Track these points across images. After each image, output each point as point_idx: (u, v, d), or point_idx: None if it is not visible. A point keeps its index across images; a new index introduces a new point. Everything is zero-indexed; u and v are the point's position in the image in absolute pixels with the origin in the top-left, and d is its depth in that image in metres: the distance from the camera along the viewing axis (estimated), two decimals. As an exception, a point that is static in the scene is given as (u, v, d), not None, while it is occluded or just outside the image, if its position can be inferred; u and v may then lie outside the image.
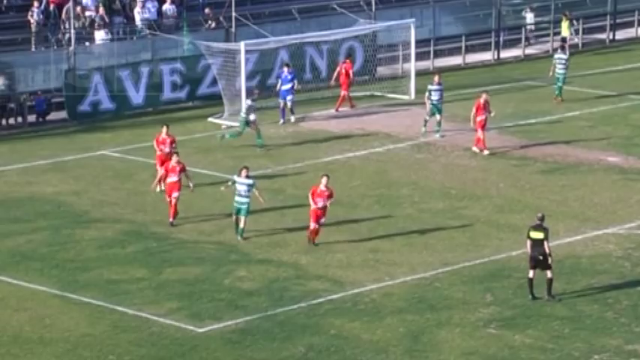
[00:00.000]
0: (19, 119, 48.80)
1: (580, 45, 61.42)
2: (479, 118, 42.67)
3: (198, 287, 32.54)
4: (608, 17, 62.46)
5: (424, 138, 43.62)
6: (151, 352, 28.68)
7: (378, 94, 51.74)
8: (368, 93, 51.52)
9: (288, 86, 47.62)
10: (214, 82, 50.34)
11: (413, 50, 52.82)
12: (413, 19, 53.55)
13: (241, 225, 35.52)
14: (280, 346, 28.97)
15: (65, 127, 48.46)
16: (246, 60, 48.60)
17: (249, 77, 48.64)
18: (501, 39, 59.82)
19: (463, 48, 58.84)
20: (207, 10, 54.23)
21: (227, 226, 36.94)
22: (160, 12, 53.52)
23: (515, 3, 61.57)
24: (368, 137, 46.38)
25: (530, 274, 31.03)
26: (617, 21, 62.93)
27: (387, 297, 31.64)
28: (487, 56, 59.70)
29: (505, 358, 28.37)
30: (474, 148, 42.94)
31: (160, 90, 50.80)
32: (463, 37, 59.00)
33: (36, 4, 50.75)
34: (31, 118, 49.05)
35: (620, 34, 62.78)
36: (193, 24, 53.93)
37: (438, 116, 45.12)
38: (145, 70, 50.67)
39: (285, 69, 48.29)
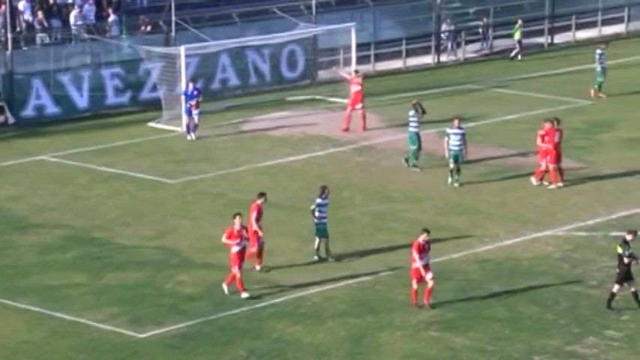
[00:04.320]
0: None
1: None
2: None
3: (139, 292, 32.41)
4: (546, 21, 62.80)
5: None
6: (90, 358, 28.55)
7: (319, 97, 51.73)
8: (309, 97, 51.42)
9: (193, 102, 46.91)
10: (156, 86, 50.20)
11: (354, 54, 52.92)
12: (353, 23, 53.60)
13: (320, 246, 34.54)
14: (222, 350, 28.93)
15: (4, 132, 48.05)
16: (187, 64, 48.49)
17: (190, 82, 48.43)
18: (458, 40, 60.07)
19: (404, 51, 58.98)
20: (142, 16, 54.08)
21: (167, 231, 36.88)
22: (98, 16, 53.29)
23: (455, 7, 61.77)
24: (309, 141, 46.37)
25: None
26: (555, 25, 63.27)
27: (328, 300, 31.61)
28: (428, 60, 59.87)
29: (446, 359, 28.43)
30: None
31: (104, 94, 50.57)
32: (404, 41, 59.12)
33: (-30, 8, 50.61)
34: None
35: (559, 38, 63.12)
36: (132, 28, 53.75)
37: (454, 165, 40.81)
38: (85, 74, 50.43)
39: (191, 84, 47.25)
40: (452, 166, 40.23)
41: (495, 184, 40.48)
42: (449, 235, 35.92)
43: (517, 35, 59.73)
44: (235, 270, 31.69)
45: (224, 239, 32.03)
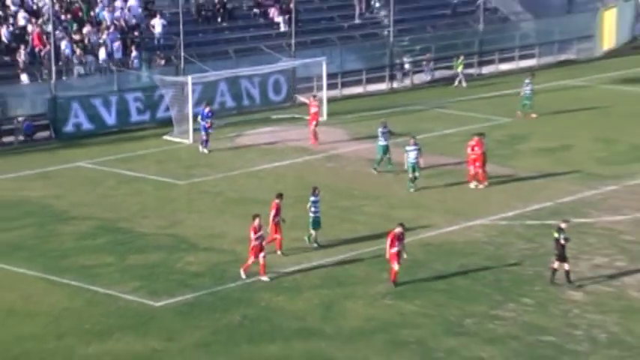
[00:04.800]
0: (11, 138, 48.26)
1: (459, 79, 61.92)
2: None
3: (156, 270, 32.38)
4: (476, 56, 62.98)
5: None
6: (118, 322, 28.50)
7: (298, 116, 51.73)
8: (289, 116, 51.49)
9: (209, 121, 46.37)
10: (168, 107, 50.18)
11: (324, 81, 53.03)
12: (324, 57, 53.72)
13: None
14: (221, 316, 28.93)
15: (49, 144, 47.95)
16: (193, 90, 48.48)
17: (195, 104, 48.43)
18: (407, 70, 60.13)
19: (364, 79, 59.08)
20: (157, 52, 54.16)
21: (177, 222, 36.86)
22: (124, 53, 53.32)
23: (404, 44, 61.88)
24: (289, 150, 46.38)
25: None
26: (483, 59, 63.45)
27: (305, 276, 31.66)
28: (383, 86, 59.95)
29: (397, 322, 28.50)
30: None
31: (128, 113, 50.50)
32: (364, 71, 59.26)
33: (22, 46, 50.49)
34: (21, 137, 48.50)
35: (486, 70, 63.29)
36: (150, 62, 53.86)
37: (416, 173, 39.99)
38: (113, 98, 50.36)
39: (207, 107, 46.64)
40: (410, 175, 39.82)
41: (436, 184, 40.57)
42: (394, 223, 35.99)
43: (460, 67, 59.80)
44: (252, 259, 31.25)
45: (251, 235, 31.26)
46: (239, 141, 48.21)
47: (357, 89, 58.93)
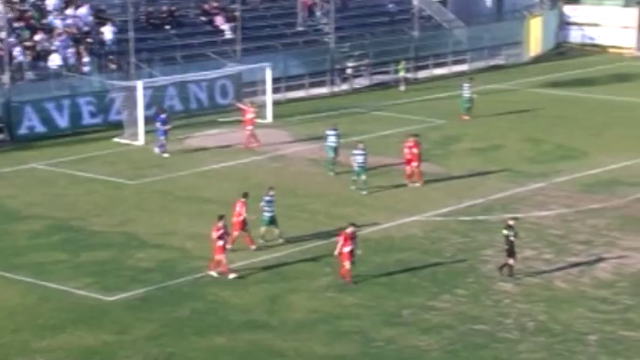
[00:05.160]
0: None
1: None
2: None
3: (107, 267, 32.07)
4: (412, 61, 63.19)
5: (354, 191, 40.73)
6: (70, 317, 28.19)
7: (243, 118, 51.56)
8: (236, 118, 51.30)
9: (165, 127, 46.00)
10: (119, 111, 49.80)
11: (269, 86, 52.89)
12: (269, 63, 53.56)
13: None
14: (171, 309, 28.71)
15: (3, 147, 47.32)
16: (143, 94, 48.11)
17: (145, 108, 48.06)
18: (346, 75, 60.15)
19: (306, 84, 59.08)
20: (109, 58, 53.76)
21: (128, 220, 36.55)
22: (76, 58, 52.83)
23: (344, 51, 61.98)
24: (236, 151, 46.21)
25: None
26: (419, 64, 63.68)
27: (251, 272, 31.51)
28: (324, 90, 59.98)
29: (339, 313, 28.49)
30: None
31: (81, 117, 50.00)
32: (306, 76, 59.25)
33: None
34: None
35: (421, 74, 63.50)
36: (101, 67, 53.42)
37: (363, 177, 39.61)
38: (65, 102, 49.83)
39: (164, 113, 46.37)
40: (355, 178, 39.42)
41: (375, 183, 40.55)
42: (341, 221, 35.90)
43: (402, 72, 60.02)
44: (218, 257, 30.86)
45: (213, 234, 30.80)
46: (188, 143, 47.94)
47: (300, 93, 58.90)
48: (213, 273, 30.97)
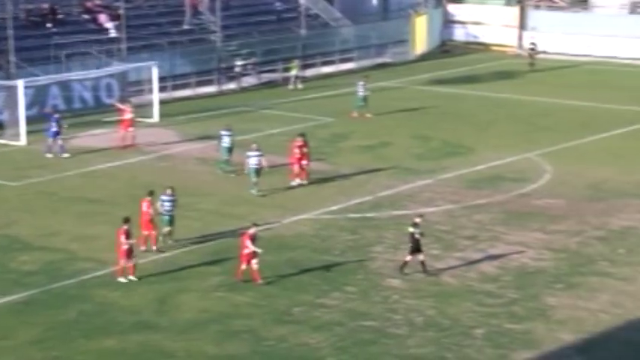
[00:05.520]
0: None
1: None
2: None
3: (-10, 270, 31.46)
4: (300, 60, 63.38)
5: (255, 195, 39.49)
6: (-47, 322, 27.55)
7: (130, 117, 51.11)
8: (133, 116, 50.76)
9: (60, 126, 45.41)
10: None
11: (155, 85, 52.49)
12: (155, 62, 53.20)
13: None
14: (57, 312, 28.28)
15: None
16: (24, 94, 47.34)
17: (27, 107, 47.33)
18: (234, 74, 60.04)
19: (193, 82, 58.85)
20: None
21: (12, 222, 35.89)
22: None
23: (231, 49, 61.90)
24: (123, 151, 45.75)
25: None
26: (306, 62, 63.94)
27: (141, 272, 31.15)
28: (212, 89, 59.80)
29: (230, 313, 28.44)
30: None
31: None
32: (193, 75, 59.04)
33: None
34: None
35: (309, 72, 63.79)
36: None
37: (254, 179, 39.08)
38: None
39: (57, 114, 45.90)
40: (254, 180, 39.06)
41: (265, 181, 40.51)
42: (232, 220, 35.98)
43: (294, 71, 60.20)
44: (122, 262, 30.40)
45: (121, 239, 30.26)
46: (73, 143, 47.22)
47: (187, 92, 58.68)
48: (132, 278, 30.52)
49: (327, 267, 31.72)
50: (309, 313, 28.45)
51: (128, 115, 46.61)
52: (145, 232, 32.72)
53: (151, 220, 32.74)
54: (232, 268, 31.25)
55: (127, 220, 30.56)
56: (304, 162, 40.47)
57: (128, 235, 30.35)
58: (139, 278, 30.51)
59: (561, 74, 64.52)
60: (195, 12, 64.54)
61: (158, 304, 29.02)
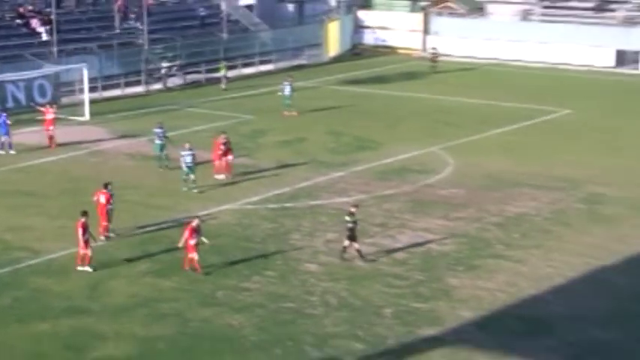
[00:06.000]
0: None
1: (204, 80, 61.81)
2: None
3: None
4: (222, 61, 63.05)
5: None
6: None
7: (62, 116, 50.28)
8: (55, 116, 49.98)
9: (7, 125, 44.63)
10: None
11: (86, 85, 51.94)
12: (85, 64, 52.58)
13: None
14: (-8, 299, 27.74)
15: None
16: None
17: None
18: (160, 75, 59.45)
19: (122, 83, 58.19)
20: None
21: (-49, 214, 35.14)
22: None
23: (158, 52, 61.33)
24: (57, 147, 45.02)
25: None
26: (228, 64, 63.48)
27: (72, 260, 30.68)
28: (140, 89, 59.17)
29: (156, 297, 28.19)
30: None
31: None
32: (122, 76, 58.38)
33: None
34: None
35: (230, 74, 63.34)
36: None
37: (192, 176, 38.20)
38: None
39: (2, 112, 45.21)
40: (185, 177, 38.21)
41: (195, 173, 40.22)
42: (158, 211, 35.66)
43: (223, 71, 59.84)
44: (82, 252, 29.76)
45: (79, 230, 29.66)
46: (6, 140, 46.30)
47: (116, 92, 57.97)
48: (87, 268, 29.89)
49: (249, 253, 31.60)
50: (232, 296, 28.32)
51: (50, 116, 45.83)
52: (104, 223, 32.31)
53: (107, 212, 32.34)
54: (159, 255, 31.01)
55: (84, 214, 30.10)
56: (228, 157, 40.22)
57: (86, 227, 29.85)
58: (94, 269, 29.93)
59: (461, 75, 65.19)
60: (125, 17, 63.85)
61: (90, 290, 28.62)
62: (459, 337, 25.71)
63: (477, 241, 32.83)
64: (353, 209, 31.24)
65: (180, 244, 30.06)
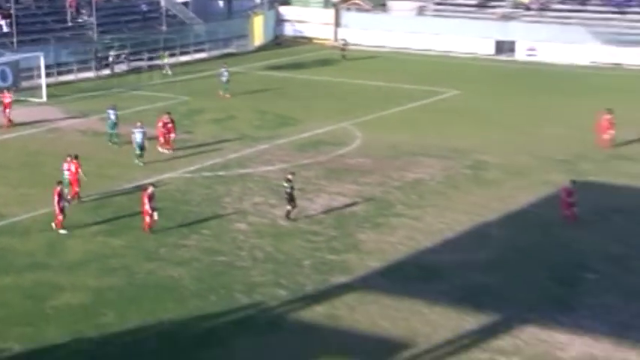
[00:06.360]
0: None
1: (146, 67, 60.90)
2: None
3: None
4: (162, 51, 62.14)
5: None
6: None
7: (23, 98, 49.13)
8: (16, 98, 48.77)
9: None
10: None
11: (43, 71, 50.80)
12: (42, 52, 51.42)
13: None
14: (-36, 258, 27.07)
15: None
16: None
17: None
18: (109, 62, 58.34)
19: (75, 69, 57.03)
20: None
21: None
22: None
23: (106, 42, 60.19)
24: (15, 126, 43.94)
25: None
26: (167, 53, 62.67)
27: (34, 222, 30.20)
28: (90, 74, 58.03)
29: (107, 253, 27.87)
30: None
31: None
32: (74, 63, 57.23)
33: None
34: None
35: (170, 61, 62.39)
36: None
37: (139, 151, 37.28)
38: None
39: None
40: (138, 152, 37.33)
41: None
42: (108, 180, 35.12)
43: (166, 59, 58.98)
44: (61, 216, 29.20)
45: (55, 198, 29.03)
46: (-26, 119, 45.14)
47: (70, 77, 56.80)
48: (64, 230, 29.29)
49: (187, 215, 31.33)
50: (173, 252, 28.12)
51: (7, 100, 44.68)
52: (76, 189, 31.87)
53: (78, 180, 31.87)
54: (109, 217, 30.61)
55: (60, 182, 29.67)
56: (171, 135, 39.72)
57: (61, 195, 29.29)
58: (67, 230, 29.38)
59: (367, 62, 65.29)
60: (77, 12, 62.63)
61: (49, 248, 28.15)
62: (366, 283, 25.94)
63: (381, 202, 33.07)
64: (290, 176, 31.19)
65: (142, 209, 29.59)
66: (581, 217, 30.46)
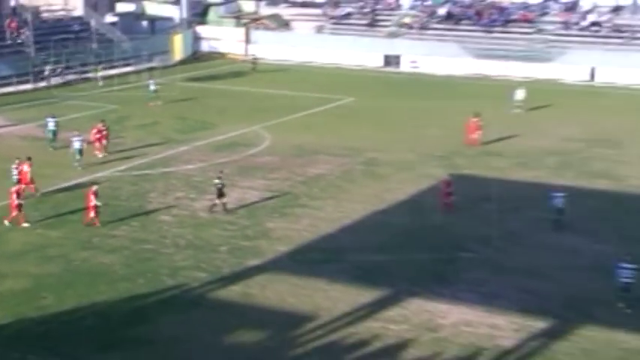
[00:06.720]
0: None
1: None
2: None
3: None
4: (96, 65, 60.58)
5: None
6: None
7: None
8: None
9: None
10: None
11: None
12: (-17, 66, 49.46)
13: None
14: None
15: None
16: None
17: None
18: (45, 75, 56.37)
19: (14, 81, 55.05)
20: None
21: None
22: None
23: (42, 58, 58.22)
24: (-40, 132, 42.20)
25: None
26: (99, 66, 61.12)
27: (-24, 219, 28.92)
28: (29, 86, 56.11)
29: (46, 244, 27.14)
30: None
31: None
32: (14, 76, 55.26)
33: None
34: None
35: (102, 73, 60.81)
36: None
37: (79, 157, 36.04)
38: None
39: None
40: (77, 157, 35.97)
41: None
42: (45, 179, 33.88)
43: (100, 72, 57.43)
44: (15, 212, 28.11)
45: (14, 195, 28.11)
46: None
47: (10, 89, 54.80)
48: (26, 224, 28.24)
49: (117, 209, 30.56)
50: (105, 241, 27.46)
51: None
52: (32, 185, 30.96)
53: (32, 178, 30.92)
54: (48, 212, 29.65)
55: (19, 182, 28.79)
56: (104, 141, 38.66)
57: (19, 194, 28.35)
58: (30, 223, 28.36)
59: (274, 74, 65.05)
60: (16, 31, 60.72)
61: (-8, 241, 27.05)
62: (276, 265, 25.87)
63: (287, 195, 33.01)
64: (220, 174, 30.80)
65: (87, 205, 28.72)
66: (457, 205, 31.08)
